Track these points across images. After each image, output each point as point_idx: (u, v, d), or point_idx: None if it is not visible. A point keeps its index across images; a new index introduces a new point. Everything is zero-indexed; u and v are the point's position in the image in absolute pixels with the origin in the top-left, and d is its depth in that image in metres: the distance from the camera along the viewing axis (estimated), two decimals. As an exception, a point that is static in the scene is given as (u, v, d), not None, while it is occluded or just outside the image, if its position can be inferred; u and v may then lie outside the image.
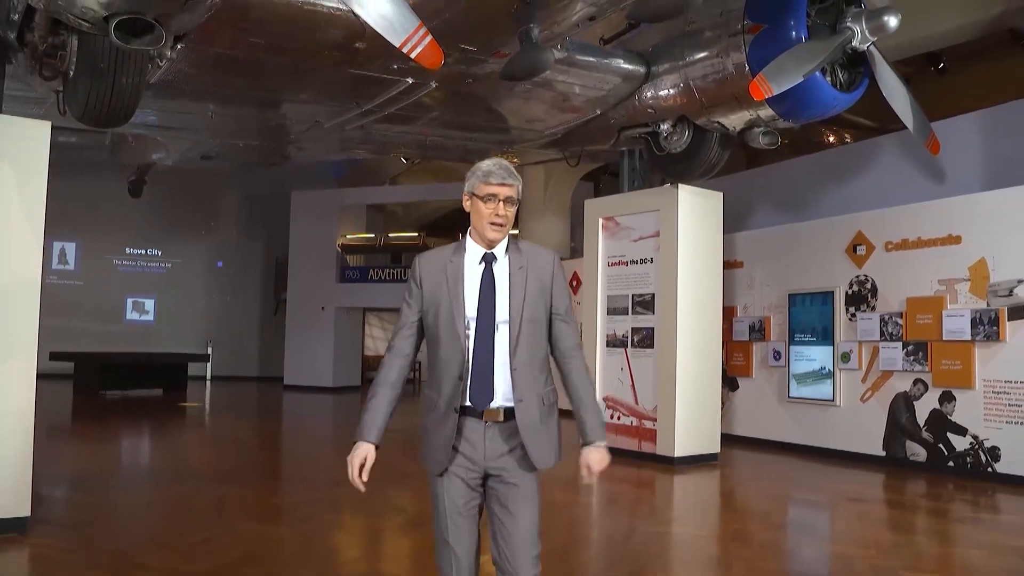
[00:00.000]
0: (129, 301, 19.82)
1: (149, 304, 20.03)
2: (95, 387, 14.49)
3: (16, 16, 4.73)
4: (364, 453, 2.59)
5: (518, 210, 2.84)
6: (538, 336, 2.68)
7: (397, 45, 4.38)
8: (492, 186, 2.64)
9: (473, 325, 2.62)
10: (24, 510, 4.93)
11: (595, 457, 2.66)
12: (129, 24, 4.25)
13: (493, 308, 2.63)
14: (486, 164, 2.69)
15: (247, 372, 20.40)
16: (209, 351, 18.92)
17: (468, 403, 2.61)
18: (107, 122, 5.08)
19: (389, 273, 18.93)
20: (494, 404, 2.61)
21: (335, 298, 18.70)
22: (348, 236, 19.77)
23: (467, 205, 2.71)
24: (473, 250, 2.72)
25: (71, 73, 4.88)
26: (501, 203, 2.64)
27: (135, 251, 20.07)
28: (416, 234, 21.15)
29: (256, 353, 20.78)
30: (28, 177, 5.02)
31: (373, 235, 20.37)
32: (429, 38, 4.46)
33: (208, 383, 18.68)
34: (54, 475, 6.95)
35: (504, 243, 2.73)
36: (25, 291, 5.08)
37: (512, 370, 2.60)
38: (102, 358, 15.24)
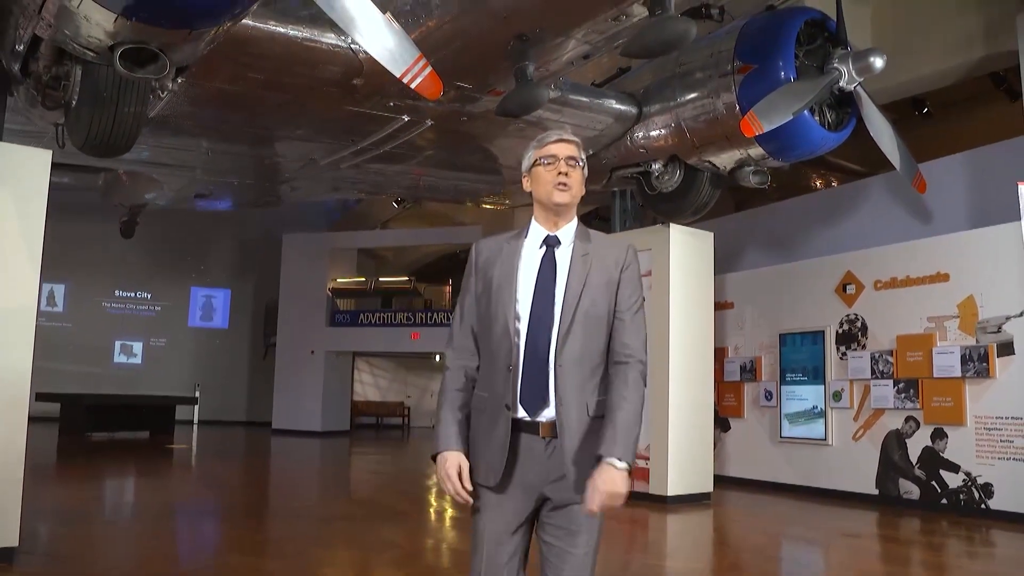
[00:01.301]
0: (117, 344, 19.71)
1: (137, 347, 19.92)
2: (81, 429, 14.33)
3: (21, 47, 4.79)
4: (456, 461, 2.25)
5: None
6: (595, 335, 2.29)
7: (398, 75, 4.48)
8: (550, 145, 2.34)
9: (527, 314, 2.29)
10: (12, 540, 4.85)
11: (602, 478, 2.10)
12: (133, 53, 4.33)
13: (552, 297, 2.29)
14: (540, 135, 2.42)
15: (235, 417, 20.24)
16: (197, 395, 18.77)
17: (521, 412, 2.23)
18: (108, 151, 5.13)
19: (379, 317, 18.92)
20: (549, 412, 2.22)
21: (325, 342, 18.64)
22: (339, 280, 19.79)
23: (527, 185, 2.42)
24: (536, 233, 2.41)
25: (73, 103, 4.94)
26: (562, 162, 2.32)
27: (124, 293, 20.03)
28: (407, 278, 21.21)
29: (244, 398, 20.65)
30: (27, 205, 5.05)
31: (364, 279, 20.41)
32: (429, 69, 4.56)
33: (195, 427, 18.50)
34: (40, 510, 6.85)
35: (572, 227, 2.41)
36: (21, 318, 5.06)
37: (557, 366, 2.22)
38: (89, 399, 15.11)
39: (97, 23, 4.11)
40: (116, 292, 19.93)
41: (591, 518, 2.18)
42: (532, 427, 2.22)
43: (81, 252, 18.07)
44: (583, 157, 2.37)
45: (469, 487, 2.23)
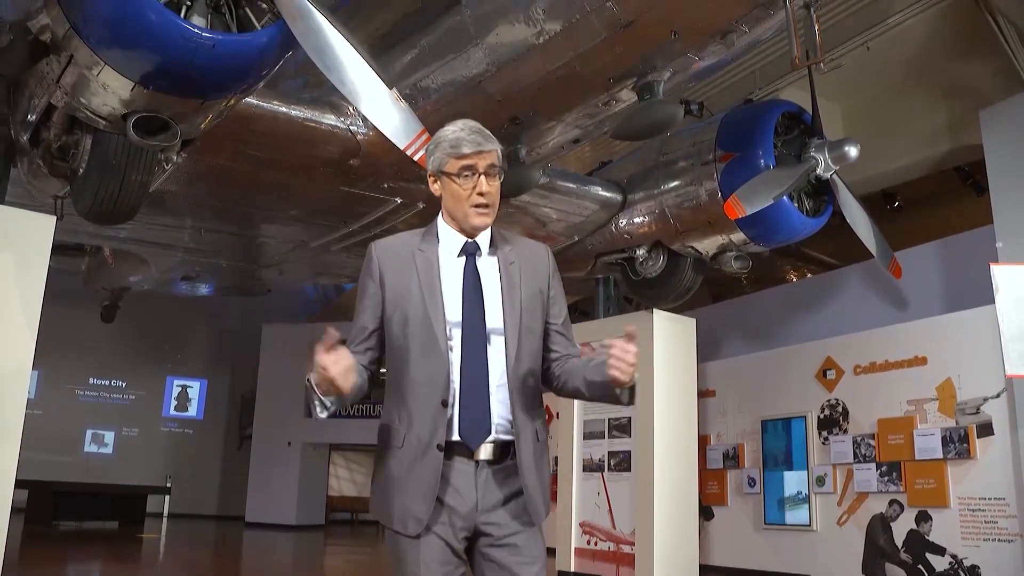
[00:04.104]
0: (88, 432, 19.28)
1: (109, 436, 19.50)
2: (48, 518, 13.93)
3: (33, 116, 4.95)
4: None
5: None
6: (536, 351, 2.12)
7: (402, 147, 4.66)
8: (467, 157, 2.07)
9: (458, 334, 2.04)
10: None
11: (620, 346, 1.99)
12: (144, 122, 4.50)
13: (483, 313, 2.06)
14: (451, 130, 2.12)
15: (206, 510, 19.70)
16: (168, 485, 18.34)
17: (457, 438, 2.01)
18: (112, 218, 5.24)
19: (358, 409, 18.71)
20: (489, 438, 2.03)
21: (302, 434, 18.35)
22: (318, 370, 19.66)
23: (436, 188, 2.15)
24: (449, 238, 2.14)
25: (81, 170, 5.07)
26: (482, 177, 2.07)
27: (99, 381, 19.71)
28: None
29: (216, 490, 20.15)
30: (28, 269, 5.14)
31: (342, 370, 20.28)
32: (431, 143, 4.74)
33: (165, 520, 18.01)
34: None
35: (487, 231, 2.16)
36: (14, 386, 5.09)
37: (510, 392, 2.03)
38: (57, 487, 14.75)
39: (114, 92, 4.30)
40: (90, 380, 19.62)
41: (535, 552, 2.03)
42: (465, 451, 2.02)
43: (56, 338, 17.77)
44: (501, 159, 2.14)
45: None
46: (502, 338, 2.06)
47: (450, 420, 2.01)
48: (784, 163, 6.86)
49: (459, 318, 2.06)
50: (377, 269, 2.13)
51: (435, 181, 2.16)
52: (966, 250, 8.09)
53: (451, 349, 2.04)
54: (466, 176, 2.07)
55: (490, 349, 2.05)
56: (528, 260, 2.17)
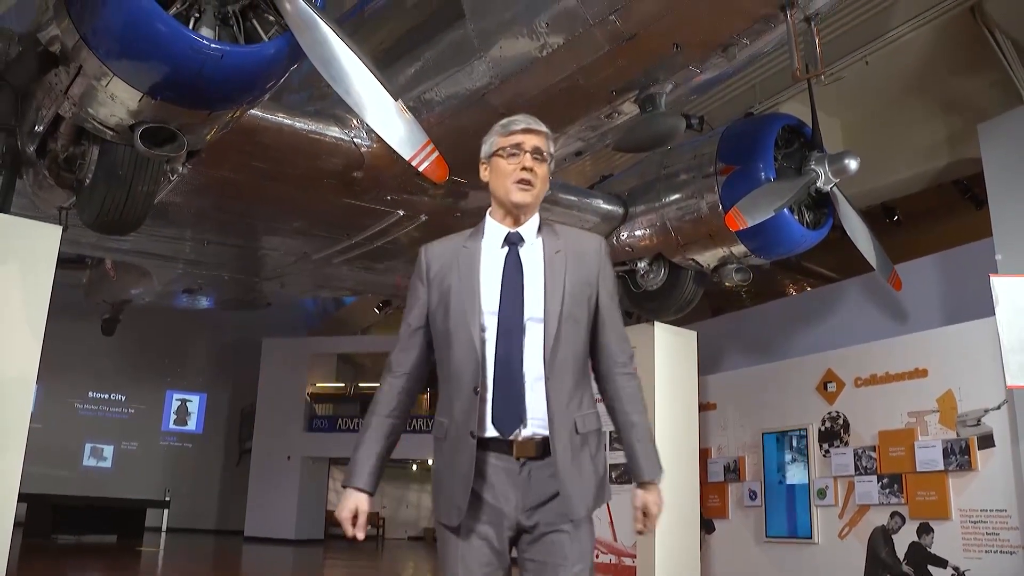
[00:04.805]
0: (88, 446, 19.25)
1: (108, 450, 19.47)
2: (47, 531, 13.90)
3: (40, 127, 4.99)
4: (353, 505, 2.06)
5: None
6: (579, 341, 2.08)
7: (407, 158, 4.69)
8: (515, 135, 2.11)
9: (494, 322, 2.03)
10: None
11: (652, 499, 2.11)
12: (151, 133, 4.53)
13: (521, 301, 2.04)
14: (506, 118, 2.17)
15: (205, 524, 19.67)
16: (167, 499, 18.30)
17: (491, 431, 1.99)
18: (118, 228, 5.26)
19: (358, 423, 18.74)
20: (526, 431, 2.00)
21: (302, 447, 18.38)
22: (318, 385, 19.70)
23: (485, 174, 2.19)
24: (494, 231, 2.16)
25: (87, 180, 5.10)
26: (527, 155, 2.09)
27: (98, 395, 19.70)
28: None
29: (215, 505, 20.11)
30: (34, 279, 5.15)
31: (343, 384, 20.34)
32: (436, 153, 4.78)
33: (163, 534, 17.94)
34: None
35: (535, 222, 2.17)
36: (18, 397, 5.10)
37: (545, 379, 1.99)
38: (56, 500, 14.72)
39: (122, 102, 4.33)
40: (90, 393, 19.61)
41: (580, 550, 2.02)
42: (505, 447, 2.01)
43: (56, 351, 17.70)
44: (552, 150, 2.17)
45: (361, 536, 2.08)
46: (541, 325, 2.04)
47: (484, 410, 2.00)
48: (784, 176, 6.91)
49: (496, 307, 2.06)
50: (425, 270, 2.16)
51: (486, 169, 2.20)
52: (966, 262, 8.12)
53: (485, 340, 2.03)
54: (513, 155, 2.10)
55: (529, 338, 2.03)
56: (576, 250, 2.15)
